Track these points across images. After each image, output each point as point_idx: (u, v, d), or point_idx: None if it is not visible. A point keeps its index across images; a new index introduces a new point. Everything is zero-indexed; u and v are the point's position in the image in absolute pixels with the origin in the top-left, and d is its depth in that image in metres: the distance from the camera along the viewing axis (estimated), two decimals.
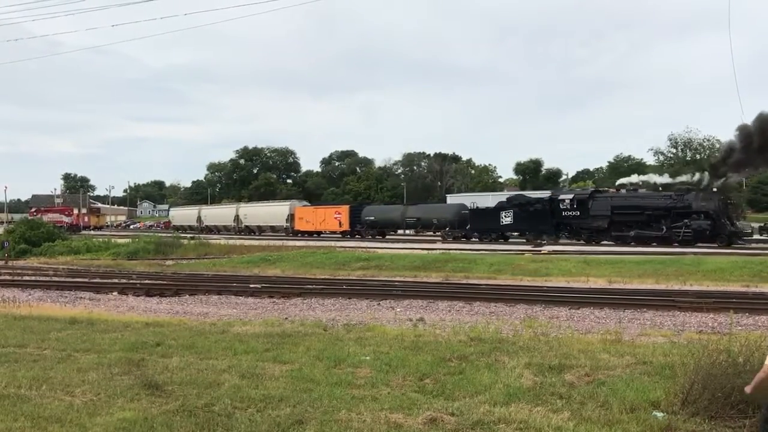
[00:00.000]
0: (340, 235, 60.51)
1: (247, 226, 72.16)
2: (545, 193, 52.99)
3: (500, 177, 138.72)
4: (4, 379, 8.58)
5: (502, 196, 55.17)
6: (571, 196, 45.03)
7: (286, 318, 15.82)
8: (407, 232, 60.71)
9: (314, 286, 23.29)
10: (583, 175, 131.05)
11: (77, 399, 7.60)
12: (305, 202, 78.93)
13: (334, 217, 62.70)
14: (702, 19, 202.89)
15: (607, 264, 27.23)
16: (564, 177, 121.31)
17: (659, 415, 6.62)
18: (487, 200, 59.78)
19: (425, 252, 34.54)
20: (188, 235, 56.44)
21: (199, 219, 79.18)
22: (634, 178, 50.06)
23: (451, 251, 34.81)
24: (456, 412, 6.82)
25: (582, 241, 43.29)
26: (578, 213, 43.26)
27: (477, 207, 52.15)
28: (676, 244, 38.41)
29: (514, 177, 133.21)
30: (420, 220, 56.35)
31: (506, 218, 46.79)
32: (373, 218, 59.49)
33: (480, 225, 49.11)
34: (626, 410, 6.79)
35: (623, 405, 6.94)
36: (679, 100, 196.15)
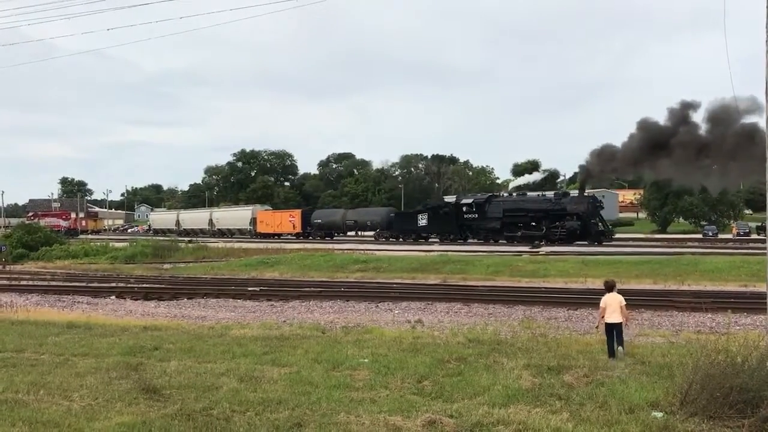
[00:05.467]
0: (294, 237, 64.74)
1: (219, 229, 75.38)
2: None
3: (498, 178, 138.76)
4: (1, 384, 8.57)
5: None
6: (470, 201, 50.01)
7: (285, 321, 15.82)
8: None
9: (312, 288, 23.28)
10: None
11: (75, 404, 7.58)
12: (267, 207, 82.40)
13: (289, 220, 67.15)
14: (699, 18, 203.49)
15: (605, 264, 27.26)
16: (562, 178, 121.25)
17: (658, 415, 6.62)
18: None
19: (423, 254, 34.54)
20: (186, 239, 56.66)
21: (177, 223, 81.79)
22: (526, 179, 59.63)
23: (448, 253, 34.81)
24: (455, 414, 6.82)
25: (482, 240, 48.00)
26: (477, 215, 48.30)
27: (401, 211, 59.55)
28: (557, 243, 42.59)
29: (512, 178, 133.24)
30: (357, 222, 61.59)
31: (422, 221, 52.16)
32: (320, 221, 64.56)
33: (402, 226, 54.79)
34: (625, 411, 6.79)
35: (622, 405, 6.94)
36: (675, 100, 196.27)
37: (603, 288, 10.55)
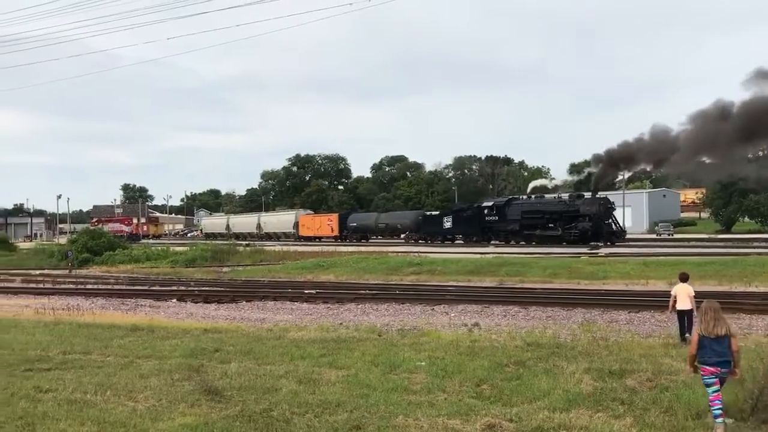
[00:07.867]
0: (333, 240, 67.38)
1: (266, 233, 78.78)
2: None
3: (554, 179, 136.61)
4: (71, 384, 8.87)
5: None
6: (491, 204, 52.57)
7: (341, 323, 15.90)
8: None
9: (367, 291, 23.36)
10: (639, 175, 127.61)
11: (140, 404, 7.79)
12: (309, 211, 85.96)
13: (327, 223, 70.49)
14: (760, 11, 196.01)
15: (667, 266, 26.50)
16: (620, 177, 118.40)
17: (728, 421, 6.39)
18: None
19: (478, 256, 34.28)
20: (244, 242, 57.81)
21: (227, 227, 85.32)
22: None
23: (504, 255, 34.49)
24: (515, 418, 6.73)
25: (502, 242, 49.73)
26: (497, 218, 50.54)
27: (428, 214, 62.21)
28: (583, 245, 43.23)
29: (569, 178, 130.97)
30: (388, 225, 64.93)
31: (447, 223, 54.89)
32: (355, 224, 67.91)
33: (429, 229, 57.24)
34: (692, 416, 6.59)
35: (689, 411, 6.74)
36: (735, 96, 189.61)
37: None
